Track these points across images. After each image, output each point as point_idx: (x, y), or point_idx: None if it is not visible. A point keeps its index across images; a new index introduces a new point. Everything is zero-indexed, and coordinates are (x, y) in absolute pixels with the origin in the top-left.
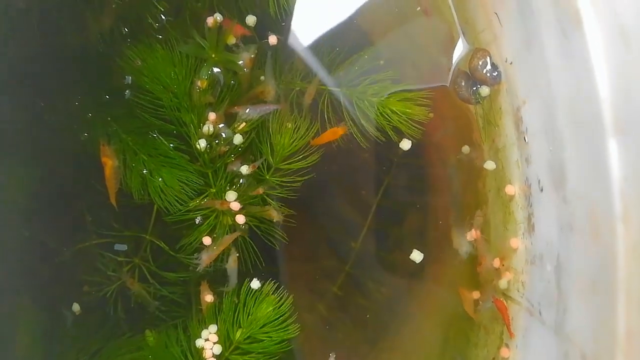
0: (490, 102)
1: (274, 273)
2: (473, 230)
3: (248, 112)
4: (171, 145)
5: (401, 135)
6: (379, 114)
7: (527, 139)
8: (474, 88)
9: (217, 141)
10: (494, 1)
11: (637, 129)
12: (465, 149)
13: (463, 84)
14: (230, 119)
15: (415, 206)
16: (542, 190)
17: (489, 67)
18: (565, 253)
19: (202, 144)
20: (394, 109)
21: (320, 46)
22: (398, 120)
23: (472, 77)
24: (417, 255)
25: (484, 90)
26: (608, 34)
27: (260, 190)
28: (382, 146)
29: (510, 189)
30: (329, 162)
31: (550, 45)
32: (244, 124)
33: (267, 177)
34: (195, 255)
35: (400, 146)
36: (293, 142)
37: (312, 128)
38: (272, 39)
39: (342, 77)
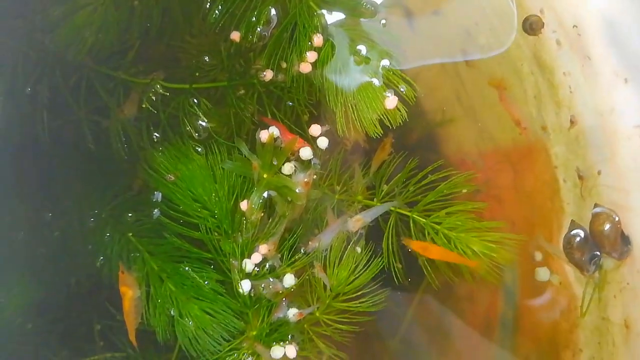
0: (609, 276)
1: None
2: None
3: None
4: (206, 283)
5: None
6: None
7: None
8: (594, 257)
9: (263, 286)
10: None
11: None
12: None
13: (577, 241)
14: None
15: None
16: None
17: (619, 237)
18: None
19: (245, 286)
20: (475, 248)
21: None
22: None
23: (593, 240)
24: None
25: (608, 263)
26: None
27: None
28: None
29: None
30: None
31: None
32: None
33: (318, 315)
34: None
35: None
36: (352, 278)
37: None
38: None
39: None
